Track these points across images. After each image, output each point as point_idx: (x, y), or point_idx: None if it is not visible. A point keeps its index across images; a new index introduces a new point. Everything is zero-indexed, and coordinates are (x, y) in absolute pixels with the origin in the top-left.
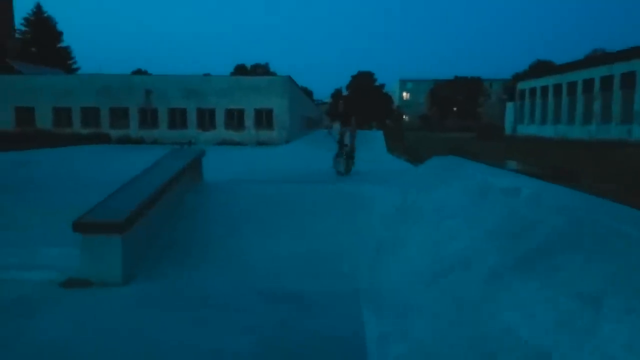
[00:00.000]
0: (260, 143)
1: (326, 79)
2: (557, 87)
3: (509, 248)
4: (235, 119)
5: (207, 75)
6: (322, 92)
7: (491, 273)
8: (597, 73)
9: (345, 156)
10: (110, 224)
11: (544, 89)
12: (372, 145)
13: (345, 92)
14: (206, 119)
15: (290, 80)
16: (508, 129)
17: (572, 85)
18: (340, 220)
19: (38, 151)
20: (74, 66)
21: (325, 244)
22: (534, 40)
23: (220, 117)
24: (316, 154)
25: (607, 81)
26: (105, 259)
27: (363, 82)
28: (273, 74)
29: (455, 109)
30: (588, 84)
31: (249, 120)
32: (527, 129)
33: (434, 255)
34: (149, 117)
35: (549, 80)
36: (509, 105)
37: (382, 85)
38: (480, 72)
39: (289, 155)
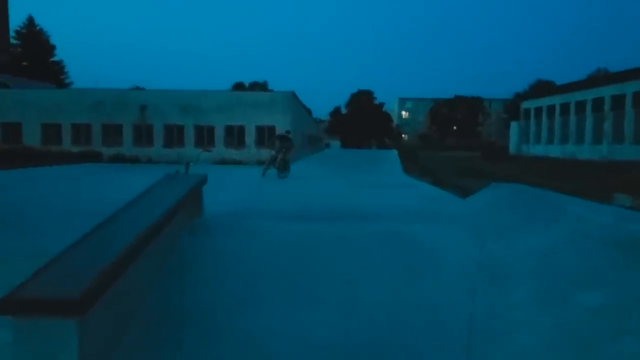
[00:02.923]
0: (262, 162)
1: (324, 97)
2: (565, 106)
3: None
4: (235, 136)
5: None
6: (321, 109)
7: None
8: (607, 92)
9: (278, 165)
10: (60, 303)
11: (550, 108)
12: (385, 166)
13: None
14: (204, 136)
15: (293, 96)
16: (512, 149)
17: (580, 105)
18: (400, 281)
19: (18, 171)
20: (67, 81)
21: (386, 324)
22: (533, 60)
23: (219, 135)
24: (331, 179)
25: (618, 100)
26: (53, 356)
27: (362, 101)
28: (271, 91)
29: (455, 127)
30: (597, 102)
31: (249, 138)
32: (534, 149)
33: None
34: (143, 134)
35: (556, 100)
36: (513, 125)
37: (381, 104)
38: (479, 91)
39: (299, 177)
